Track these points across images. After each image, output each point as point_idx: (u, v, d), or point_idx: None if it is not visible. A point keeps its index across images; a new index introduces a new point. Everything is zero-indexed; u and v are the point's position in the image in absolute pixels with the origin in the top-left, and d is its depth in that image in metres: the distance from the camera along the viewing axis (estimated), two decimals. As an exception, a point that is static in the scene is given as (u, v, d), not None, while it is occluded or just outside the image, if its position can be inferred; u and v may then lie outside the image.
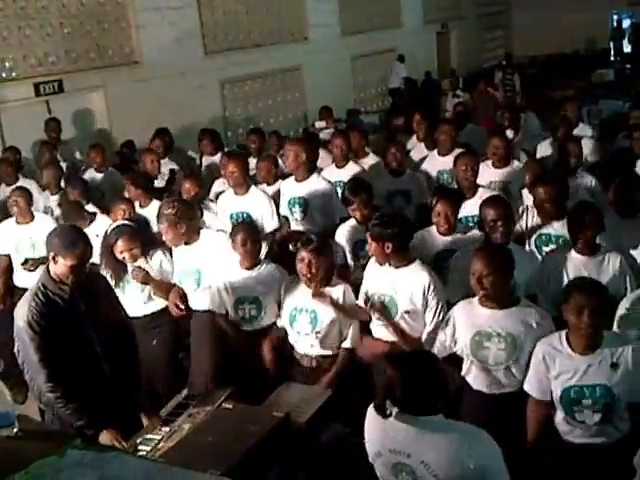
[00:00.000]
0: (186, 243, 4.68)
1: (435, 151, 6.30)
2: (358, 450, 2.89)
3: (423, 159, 6.44)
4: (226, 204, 5.67)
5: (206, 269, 4.67)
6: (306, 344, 4.15)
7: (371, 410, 2.79)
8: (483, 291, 3.42)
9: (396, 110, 11.40)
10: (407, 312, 3.92)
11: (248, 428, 3.25)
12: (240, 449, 3.08)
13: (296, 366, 4.22)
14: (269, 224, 5.48)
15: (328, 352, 4.13)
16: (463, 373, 3.60)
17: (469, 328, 3.52)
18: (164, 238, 4.68)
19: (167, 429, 3.45)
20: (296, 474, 3.31)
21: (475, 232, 4.46)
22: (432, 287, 3.88)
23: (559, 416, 3.26)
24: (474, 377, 3.57)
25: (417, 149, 6.80)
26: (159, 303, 4.80)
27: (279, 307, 4.35)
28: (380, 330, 4.06)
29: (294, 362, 4.24)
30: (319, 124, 9.93)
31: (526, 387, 3.35)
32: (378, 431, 2.74)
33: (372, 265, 4.16)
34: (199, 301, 4.67)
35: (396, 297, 3.95)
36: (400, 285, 3.93)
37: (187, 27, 11.13)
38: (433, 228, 4.53)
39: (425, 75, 15.22)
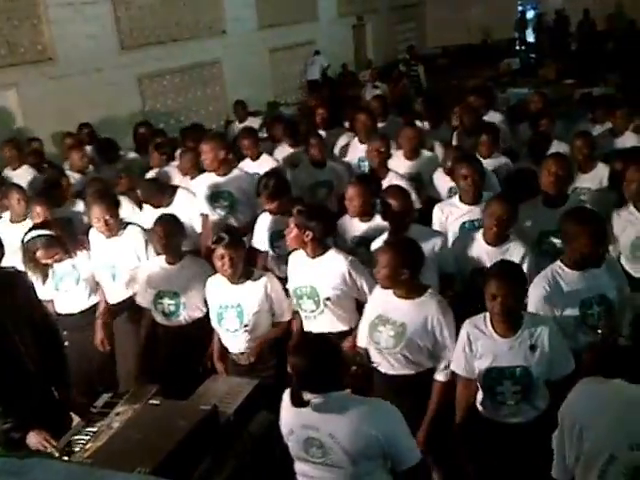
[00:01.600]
0: (107, 237, 4.77)
1: (356, 139, 6.45)
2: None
3: (346, 147, 6.58)
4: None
5: (121, 263, 4.74)
6: (239, 341, 4.16)
7: (287, 394, 2.93)
8: (380, 281, 3.57)
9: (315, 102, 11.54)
10: (328, 299, 4.03)
11: (176, 423, 3.25)
12: (168, 445, 3.08)
13: (233, 367, 4.23)
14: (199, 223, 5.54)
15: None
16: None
17: (374, 310, 3.67)
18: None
19: (95, 429, 3.39)
20: (225, 464, 3.35)
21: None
22: (353, 270, 3.99)
23: (480, 396, 3.36)
24: (373, 356, 3.71)
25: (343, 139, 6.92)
26: (94, 299, 4.85)
27: (205, 303, 4.36)
28: (310, 323, 4.15)
29: (231, 363, 4.25)
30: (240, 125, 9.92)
31: (453, 367, 3.44)
32: (290, 410, 2.89)
33: (291, 260, 4.26)
34: (116, 295, 4.77)
35: (316, 286, 4.04)
36: (319, 274, 4.03)
37: (102, 22, 10.97)
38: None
39: (342, 67, 15.41)
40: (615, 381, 2.46)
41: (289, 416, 2.91)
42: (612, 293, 3.60)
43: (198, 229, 5.52)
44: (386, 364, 3.65)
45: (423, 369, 3.60)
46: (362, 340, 3.79)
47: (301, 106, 12.77)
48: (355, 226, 4.61)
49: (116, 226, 4.78)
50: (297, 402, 2.82)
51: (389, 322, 3.59)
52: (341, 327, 4.10)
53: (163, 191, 5.51)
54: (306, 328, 4.19)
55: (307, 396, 2.80)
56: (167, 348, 4.51)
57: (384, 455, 2.77)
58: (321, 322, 4.10)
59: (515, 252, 4.04)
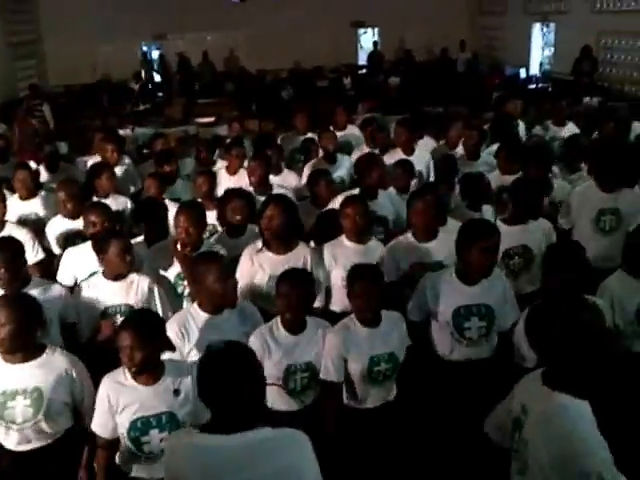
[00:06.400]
0: None
1: None
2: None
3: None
4: None
5: None
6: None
7: None
8: (4, 342, 3.33)
9: None
10: None
11: None
12: None
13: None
14: None
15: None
16: None
17: None
18: None
19: None
20: None
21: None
22: None
23: (126, 452, 3.27)
24: (4, 438, 3.42)
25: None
26: None
27: None
28: None
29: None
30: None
31: (95, 428, 3.29)
32: None
33: None
34: None
35: None
36: None
37: None
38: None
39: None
40: (195, 433, 2.54)
41: None
42: None
43: None
44: (20, 439, 3.38)
45: (61, 435, 3.44)
46: None
47: None
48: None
49: None
50: None
51: (18, 393, 3.30)
52: None
53: None
54: None
55: None
56: None
57: None
58: None
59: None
